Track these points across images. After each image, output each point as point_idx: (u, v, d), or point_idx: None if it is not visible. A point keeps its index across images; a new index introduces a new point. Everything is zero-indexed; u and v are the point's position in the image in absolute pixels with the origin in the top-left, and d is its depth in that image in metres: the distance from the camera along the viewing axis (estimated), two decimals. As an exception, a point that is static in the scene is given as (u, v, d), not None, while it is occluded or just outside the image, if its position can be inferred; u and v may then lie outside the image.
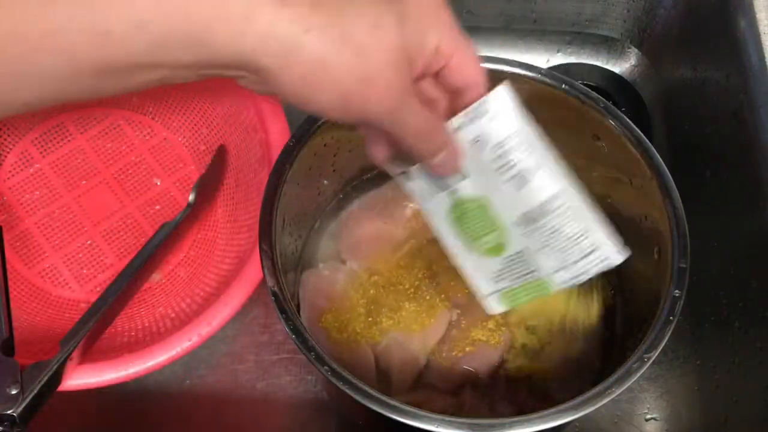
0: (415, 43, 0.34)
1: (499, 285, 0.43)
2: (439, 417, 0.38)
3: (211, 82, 0.59)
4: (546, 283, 0.41)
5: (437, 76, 0.37)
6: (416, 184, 0.42)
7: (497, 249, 0.41)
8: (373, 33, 0.32)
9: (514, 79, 0.48)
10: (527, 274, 0.41)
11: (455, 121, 0.38)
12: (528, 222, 0.39)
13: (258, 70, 0.32)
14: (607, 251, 0.38)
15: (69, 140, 0.62)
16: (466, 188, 0.40)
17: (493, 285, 0.43)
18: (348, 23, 0.32)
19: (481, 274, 0.43)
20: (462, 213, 0.41)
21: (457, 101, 0.38)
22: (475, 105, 0.37)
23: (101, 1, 0.30)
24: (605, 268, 0.39)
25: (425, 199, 0.42)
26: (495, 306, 0.44)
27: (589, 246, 0.38)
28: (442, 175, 0.40)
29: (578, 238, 0.38)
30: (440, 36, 0.35)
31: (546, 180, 0.38)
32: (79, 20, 0.30)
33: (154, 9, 0.30)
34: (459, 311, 0.51)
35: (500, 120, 0.37)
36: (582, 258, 0.39)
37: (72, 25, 0.30)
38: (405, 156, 0.39)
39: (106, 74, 0.32)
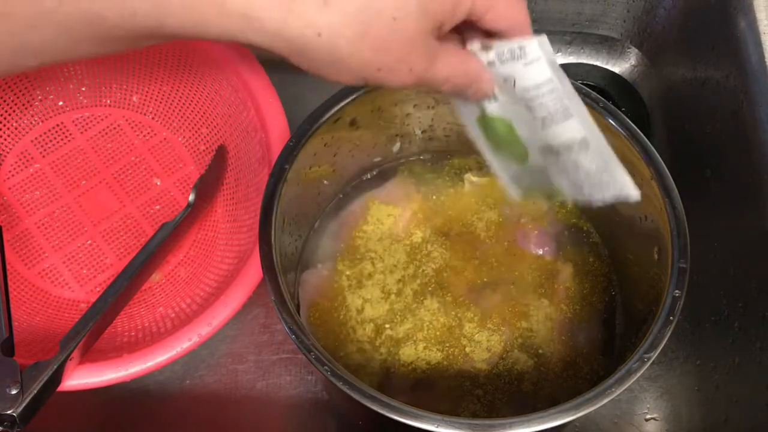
0: (442, 13, 0.34)
1: (519, 182, 0.45)
2: (439, 417, 0.38)
3: (212, 82, 0.59)
4: (560, 192, 0.43)
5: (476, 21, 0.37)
6: None
7: (520, 158, 0.43)
8: (392, 27, 0.32)
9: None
10: (546, 183, 0.43)
11: (490, 55, 0.38)
12: (550, 152, 0.40)
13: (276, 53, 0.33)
14: (624, 186, 0.40)
15: (69, 140, 0.62)
16: (494, 109, 0.40)
17: (514, 180, 0.45)
18: (365, 20, 0.32)
19: (504, 170, 0.45)
20: (489, 125, 0.42)
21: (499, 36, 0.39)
22: (512, 46, 0.37)
23: None
24: (620, 200, 0.40)
25: (458, 103, 0.43)
26: (513, 192, 0.46)
27: (607, 179, 0.40)
28: (472, 100, 0.40)
29: (597, 172, 0.40)
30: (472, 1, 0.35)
31: (572, 125, 0.39)
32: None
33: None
34: (459, 311, 0.51)
35: (535, 68, 0.37)
36: (599, 187, 0.41)
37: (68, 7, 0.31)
38: None
39: (106, 43, 0.33)
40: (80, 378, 0.47)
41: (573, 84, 0.39)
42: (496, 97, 0.39)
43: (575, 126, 0.39)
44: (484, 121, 0.41)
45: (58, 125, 0.62)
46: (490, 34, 0.38)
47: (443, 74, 0.36)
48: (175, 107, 0.62)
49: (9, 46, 0.33)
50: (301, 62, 0.33)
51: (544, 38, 0.37)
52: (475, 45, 0.38)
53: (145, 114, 0.63)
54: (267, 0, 0.31)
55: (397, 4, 0.32)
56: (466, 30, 0.38)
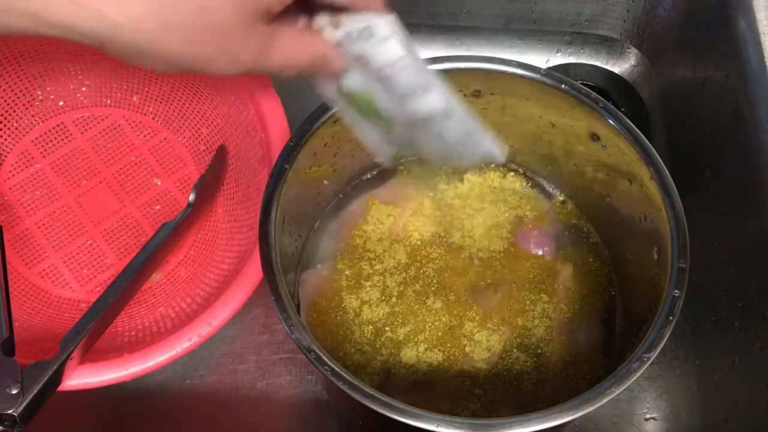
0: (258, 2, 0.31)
1: (389, 145, 0.44)
2: (439, 417, 0.38)
3: (212, 82, 0.59)
4: (431, 157, 0.43)
5: None
6: None
7: (386, 126, 0.42)
8: (202, 17, 0.30)
9: (513, 79, 0.49)
10: (415, 148, 0.43)
11: (339, 33, 0.37)
12: (413, 123, 0.41)
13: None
14: (489, 148, 0.41)
15: (69, 140, 0.62)
16: (352, 84, 0.40)
17: (383, 144, 0.45)
18: (169, 11, 0.29)
19: (371, 135, 0.44)
20: (350, 98, 0.41)
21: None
22: (359, 26, 0.36)
23: None
24: (487, 159, 0.42)
25: (318, 85, 0.42)
26: (383, 156, 0.45)
27: (472, 144, 0.41)
28: (323, 78, 0.39)
29: (463, 139, 0.41)
30: None
31: (431, 98, 0.39)
32: None
33: None
34: (459, 311, 0.51)
35: (386, 47, 0.37)
36: (465, 151, 0.42)
37: None
38: None
39: None
40: (80, 378, 0.47)
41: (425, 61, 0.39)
42: (351, 73, 0.39)
43: (434, 98, 0.39)
44: (345, 94, 0.41)
45: (58, 125, 0.62)
46: (338, 9, 0.36)
47: (279, 61, 0.34)
48: (175, 107, 0.62)
49: None
50: (110, 53, 0.31)
51: (391, 17, 0.36)
52: (323, 20, 0.36)
53: (145, 114, 0.63)
54: None
55: None
56: (315, 7, 0.36)
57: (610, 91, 0.70)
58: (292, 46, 0.34)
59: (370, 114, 0.42)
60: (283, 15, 0.34)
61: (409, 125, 0.41)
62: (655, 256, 0.47)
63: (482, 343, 0.50)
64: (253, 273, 0.51)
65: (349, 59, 0.38)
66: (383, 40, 0.36)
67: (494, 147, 0.41)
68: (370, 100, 0.40)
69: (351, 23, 0.36)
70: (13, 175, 0.61)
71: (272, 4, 0.32)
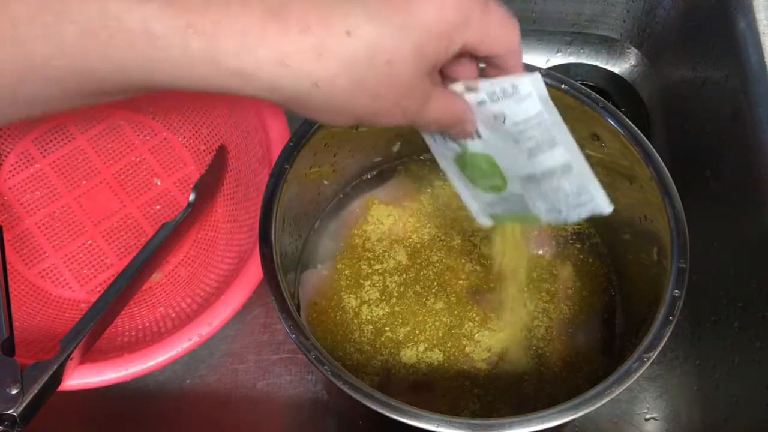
0: (436, 53, 0.33)
1: (491, 209, 0.45)
2: (439, 417, 0.38)
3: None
4: (536, 217, 0.43)
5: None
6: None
7: (497, 189, 0.43)
8: (387, 72, 0.32)
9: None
10: (520, 208, 0.43)
11: (480, 95, 0.38)
12: (531, 179, 0.41)
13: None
14: (598, 202, 0.41)
15: (69, 140, 0.62)
16: (476, 146, 0.40)
17: (486, 208, 0.45)
18: (360, 68, 0.31)
19: (475, 199, 0.45)
20: (469, 161, 0.42)
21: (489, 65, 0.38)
22: (504, 85, 0.37)
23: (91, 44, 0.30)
24: (594, 215, 0.41)
25: (431, 142, 0.42)
26: (483, 220, 0.46)
27: (584, 198, 0.41)
28: (455, 138, 0.40)
29: (577, 193, 0.41)
30: (465, 36, 0.34)
31: (558, 152, 0.39)
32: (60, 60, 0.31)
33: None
34: (459, 311, 0.51)
35: (527, 103, 0.37)
36: (575, 206, 0.41)
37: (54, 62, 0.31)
38: None
39: (98, 96, 0.33)
40: (80, 378, 0.47)
41: (559, 112, 0.39)
42: (480, 135, 0.39)
43: (560, 152, 0.39)
44: (464, 158, 0.41)
45: (58, 125, 0.62)
46: (479, 61, 0.38)
47: (433, 116, 0.36)
48: (175, 107, 0.62)
49: (1, 99, 0.33)
50: (297, 110, 0.33)
51: (537, 75, 0.37)
52: (458, 86, 0.38)
53: (145, 114, 0.63)
54: (261, 56, 0.30)
55: (390, 47, 0.31)
56: (447, 69, 0.38)
57: (610, 91, 0.70)
58: (444, 104, 0.36)
59: (485, 177, 0.42)
60: (435, 75, 0.36)
61: (523, 183, 0.41)
62: (655, 256, 0.47)
63: (482, 343, 0.50)
64: (253, 273, 0.51)
65: (483, 119, 0.38)
66: (525, 97, 0.37)
67: (605, 201, 0.41)
68: (491, 162, 0.41)
69: (492, 84, 0.37)
70: (13, 175, 0.61)
71: (439, 60, 0.34)
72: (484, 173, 0.42)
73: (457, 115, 0.37)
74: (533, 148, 0.39)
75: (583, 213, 0.41)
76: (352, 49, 0.31)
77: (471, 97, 0.38)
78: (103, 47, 0.30)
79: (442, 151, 0.42)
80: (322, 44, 0.30)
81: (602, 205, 0.41)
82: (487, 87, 0.37)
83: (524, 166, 0.40)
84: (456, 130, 0.38)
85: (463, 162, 0.42)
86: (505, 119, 0.38)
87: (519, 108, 0.37)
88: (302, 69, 0.31)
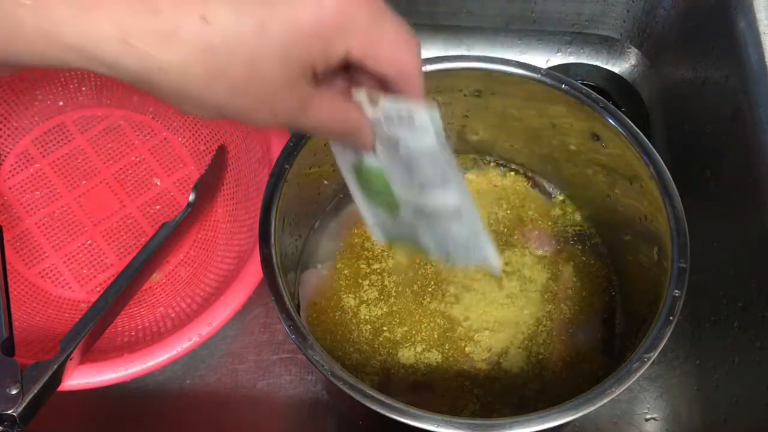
0: (309, 57, 0.30)
1: (386, 228, 0.43)
2: (439, 417, 0.38)
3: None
4: (427, 250, 0.42)
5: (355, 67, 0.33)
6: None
7: (390, 209, 0.41)
8: (250, 70, 0.29)
9: (513, 79, 0.49)
10: (413, 238, 0.42)
11: (377, 112, 0.36)
12: (422, 212, 0.40)
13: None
14: (488, 257, 0.41)
15: (69, 140, 0.62)
16: (372, 161, 0.39)
17: (382, 225, 0.44)
18: (218, 60, 0.29)
19: (373, 215, 0.43)
20: (364, 173, 0.40)
21: (385, 85, 0.35)
22: (400, 110, 0.35)
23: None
24: (482, 267, 0.42)
25: (334, 146, 0.41)
26: (378, 236, 0.44)
27: (473, 248, 0.41)
28: (350, 148, 0.39)
29: (465, 241, 0.40)
30: (347, 43, 0.31)
31: (448, 194, 0.38)
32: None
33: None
34: (459, 311, 0.51)
35: (422, 136, 0.36)
36: (464, 253, 0.41)
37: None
38: None
39: None
40: (80, 378, 0.47)
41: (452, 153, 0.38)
42: (375, 150, 0.38)
43: (451, 195, 0.38)
44: (360, 169, 0.40)
45: (58, 125, 0.62)
46: (381, 80, 0.35)
47: (314, 122, 0.33)
48: (175, 107, 0.62)
49: None
50: (157, 96, 0.30)
51: (434, 110, 0.35)
52: (361, 95, 0.35)
53: (145, 114, 0.63)
54: (101, 32, 0.28)
55: (255, 45, 0.29)
56: (355, 74, 0.35)
57: (610, 91, 0.70)
58: (330, 111, 0.33)
59: (379, 194, 0.41)
60: (323, 77, 0.33)
61: (416, 214, 0.40)
62: (655, 256, 0.47)
63: (482, 343, 0.50)
64: (253, 273, 0.51)
65: (379, 137, 0.37)
66: (421, 130, 0.35)
67: (493, 257, 0.41)
68: (385, 181, 0.39)
69: (391, 106, 0.35)
70: (13, 175, 0.61)
71: (317, 66, 0.31)
72: (379, 190, 0.40)
73: (348, 124, 0.34)
74: (424, 182, 0.38)
75: (471, 261, 0.41)
76: (207, 36, 0.28)
77: (371, 111, 0.35)
78: None
79: (342, 156, 0.40)
80: (172, 27, 0.28)
81: (492, 261, 0.41)
82: (388, 106, 0.35)
83: (416, 196, 0.39)
84: (350, 139, 0.36)
85: (359, 173, 0.40)
86: (398, 145, 0.36)
87: (414, 138, 0.36)
88: (147, 52, 0.28)
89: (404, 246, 0.44)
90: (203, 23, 0.28)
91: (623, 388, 0.40)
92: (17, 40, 0.28)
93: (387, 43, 0.32)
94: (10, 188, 0.60)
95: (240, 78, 0.29)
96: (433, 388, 0.49)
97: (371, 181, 0.40)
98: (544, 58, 0.71)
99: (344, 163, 0.41)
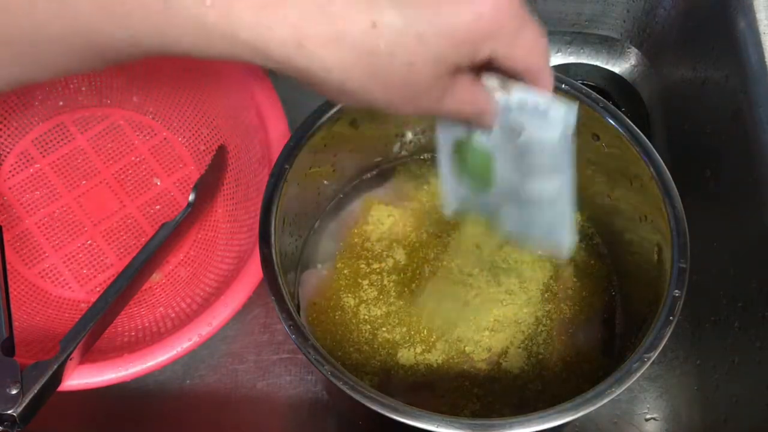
0: (459, 58, 0.32)
1: (461, 201, 0.44)
2: (439, 417, 0.38)
3: (213, 82, 0.59)
4: (499, 226, 0.43)
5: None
6: None
7: (480, 189, 0.42)
8: (406, 72, 0.31)
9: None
10: (490, 214, 0.43)
11: (510, 99, 0.37)
12: (516, 195, 0.40)
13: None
14: (562, 245, 0.42)
15: (69, 140, 0.62)
16: (482, 141, 0.40)
17: (457, 197, 0.44)
18: (377, 63, 0.31)
19: (452, 187, 0.44)
20: (467, 151, 0.41)
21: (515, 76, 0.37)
22: (538, 100, 0.36)
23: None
24: (553, 251, 0.42)
25: (443, 124, 0.42)
26: (449, 208, 0.45)
27: (552, 236, 0.42)
28: (465, 126, 0.40)
29: (548, 228, 0.41)
30: (493, 46, 0.33)
31: (554, 182, 0.39)
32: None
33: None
34: (459, 311, 0.51)
35: (550, 130, 0.37)
36: (540, 238, 0.42)
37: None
38: None
39: (107, 56, 0.33)
40: (80, 378, 0.47)
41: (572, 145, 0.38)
42: (491, 132, 0.39)
43: (555, 184, 0.39)
44: (464, 145, 0.41)
45: (58, 125, 0.62)
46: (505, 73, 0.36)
47: (450, 108, 0.35)
48: (175, 107, 0.62)
49: (9, 60, 0.32)
50: (319, 91, 0.33)
51: (574, 108, 0.36)
52: (492, 81, 0.36)
53: (145, 114, 0.63)
54: (278, 35, 0.30)
55: (413, 50, 0.31)
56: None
57: (610, 91, 0.70)
58: (464, 96, 0.35)
59: (476, 173, 0.41)
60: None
61: (508, 196, 0.41)
62: (656, 256, 0.47)
63: (482, 343, 0.50)
64: (253, 273, 0.51)
65: (503, 121, 0.38)
66: (553, 123, 0.36)
67: (569, 242, 0.42)
68: (488, 163, 0.40)
69: (525, 96, 0.36)
70: (13, 175, 0.61)
71: (463, 63, 0.33)
72: (476, 169, 0.41)
73: (477, 108, 0.36)
74: (533, 169, 0.38)
75: (543, 247, 0.42)
76: (373, 40, 0.30)
77: (500, 96, 0.37)
78: (119, 16, 0.30)
79: (448, 129, 0.41)
80: (342, 30, 0.30)
81: (564, 248, 0.42)
82: (520, 94, 0.36)
83: (518, 181, 0.40)
84: (473, 120, 0.37)
85: (461, 149, 0.41)
86: (522, 133, 0.37)
87: (541, 129, 0.37)
88: (317, 53, 0.30)
89: (475, 217, 0.45)
90: (371, 28, 0.30)
91: (623, 388, 0.40)
92: (199, 37, 0.31)
93: (526, 46, 0.34)
94: (10, 188, 0.60)
95: (395, 78, 0.32)
96: (433, 388, 0.49)
97: (470, 158, 0.41)
98: (544, 58, 0.71)
99: (447, 135, 0.41)
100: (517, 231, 0.43)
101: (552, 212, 0.40)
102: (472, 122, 0.38)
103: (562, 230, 0.41)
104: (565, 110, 0.36)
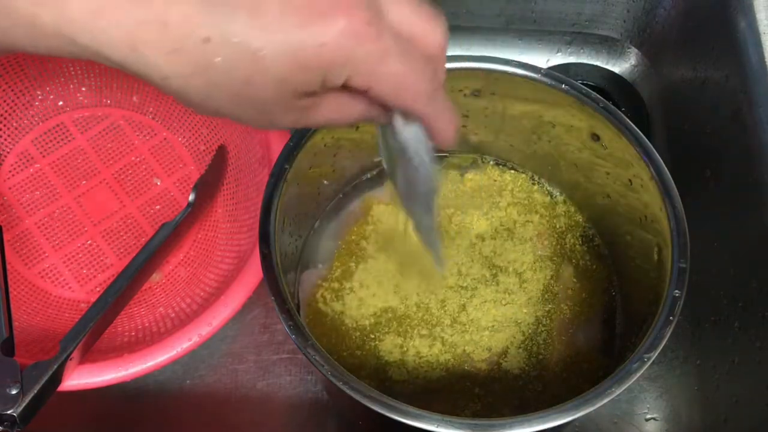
0: (306, 85, 0.31)
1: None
2: (439, 417, 0.38)
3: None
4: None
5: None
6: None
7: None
8: (246, 90, 0.30)
9: (513, 79, 0.49)
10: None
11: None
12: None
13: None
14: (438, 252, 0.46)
15: (69, 140, 0.62)
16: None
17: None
18: (216, 77, 0.30)
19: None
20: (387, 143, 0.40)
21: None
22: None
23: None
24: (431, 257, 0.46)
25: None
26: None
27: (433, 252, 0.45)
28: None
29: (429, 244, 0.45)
30: (345, 75, 0.31)
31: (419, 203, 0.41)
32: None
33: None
34: (459, 311, 0.51)
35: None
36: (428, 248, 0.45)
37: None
38: None
39: None
40: (80, 378, 0.47)
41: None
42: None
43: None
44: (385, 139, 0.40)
45: (58, 125, 0.62)
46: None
47: (319, 122, 0.34)
48: (175, 107, 0.62)
49: None
50: (166, 94, 0.32)
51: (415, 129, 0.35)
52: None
53: (145, 114, 0.63)
54: (112, 37, 0.29)
55: (250, 68, 0.29)
56: None
57: (610, 91, 0.70)
58: (334, 110, 0.33)
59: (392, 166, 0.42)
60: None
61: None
62: (656, 256, 0.47)
63: (482, 343, 0.50)
64: (253, 273, 0.51)
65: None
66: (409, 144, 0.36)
67: (440, 257, 0.45)
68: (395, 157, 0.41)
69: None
70: (13, 175, 0.61)
71: (313, 89, 0.31)
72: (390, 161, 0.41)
73: (351, 120, 0.34)
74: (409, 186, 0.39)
75: (426, 240, 0.45)
76: (208, 55, 0.29)
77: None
78: None
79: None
80: (178, 42, 0.29)
81: (438, 256, 0.45)
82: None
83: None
84: (357, 124, 0.37)
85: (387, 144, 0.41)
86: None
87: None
88: (151, 60, 0.29)
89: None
90: (205, 42, 0.29)
91: (623, 388, 0.40)
92: (36, 36, 0.29)
93: (390, 80, 0.31)
94: (10, 188, 0.60)
95: (237, 93, 0.30)
96: (433, 388, 0.49)
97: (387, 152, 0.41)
98: (544, 58, 0.71)
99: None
100: (420, 236, 0.45)
101: (428, 231, 0.43)
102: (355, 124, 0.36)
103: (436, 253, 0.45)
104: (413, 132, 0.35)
